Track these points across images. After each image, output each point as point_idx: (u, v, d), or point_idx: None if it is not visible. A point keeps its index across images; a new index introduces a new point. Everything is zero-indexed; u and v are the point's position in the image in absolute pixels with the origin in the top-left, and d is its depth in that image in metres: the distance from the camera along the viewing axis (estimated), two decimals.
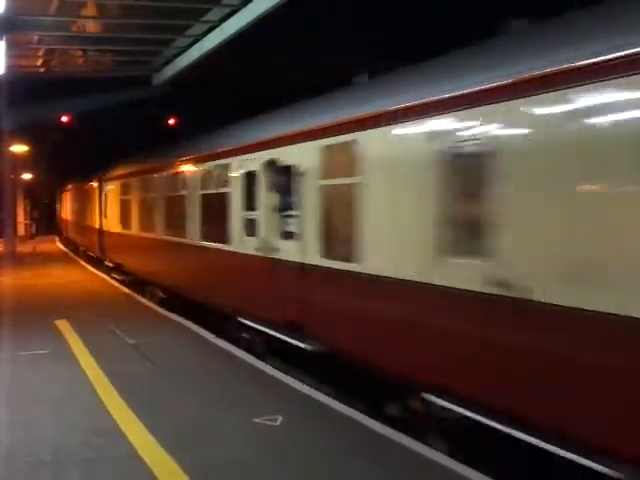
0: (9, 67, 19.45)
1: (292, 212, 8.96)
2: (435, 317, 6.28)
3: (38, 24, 18.23)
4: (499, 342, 5.48)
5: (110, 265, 22.10)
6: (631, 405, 4.48)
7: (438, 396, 6.23)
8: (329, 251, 8.09)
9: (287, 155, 9.13)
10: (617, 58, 4.59)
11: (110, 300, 15.83)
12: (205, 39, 19.06)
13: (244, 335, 10.64)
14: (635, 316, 4.38)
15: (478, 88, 5.74)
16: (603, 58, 4.67)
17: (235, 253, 10.93)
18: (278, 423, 6.74)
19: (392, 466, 5.73)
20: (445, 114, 6.12)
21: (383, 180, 7.07)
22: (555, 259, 5.01)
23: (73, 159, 38.28)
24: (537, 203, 5.18)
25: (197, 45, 19.85)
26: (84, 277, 21.07)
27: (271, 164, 9.43)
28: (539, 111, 5.21)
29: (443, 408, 6.18)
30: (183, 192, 13.99)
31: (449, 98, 6.08)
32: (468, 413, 5.84)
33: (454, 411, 6.02)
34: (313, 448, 6.14)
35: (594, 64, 4.73)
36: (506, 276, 5.35)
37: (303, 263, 8.58)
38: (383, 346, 7.08)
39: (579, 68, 4.85)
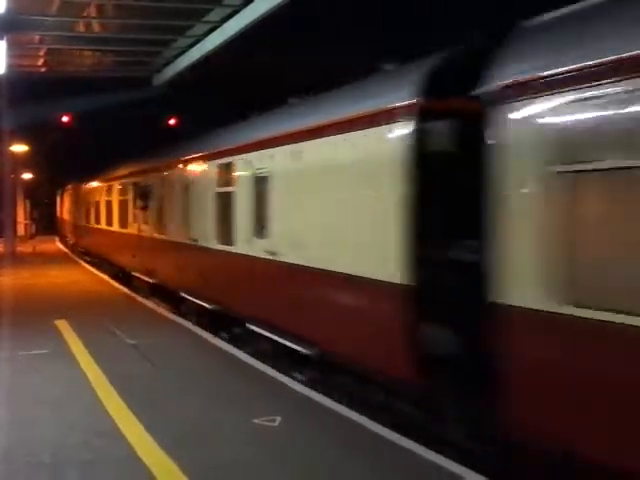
0: (10, 67, 19.50)
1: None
2: (247, 272, 10.65)
3: (39, 24, 18.27)
4: (271, 283, 9.81)
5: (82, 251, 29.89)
6: None
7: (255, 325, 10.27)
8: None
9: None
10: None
11: (110, 300, 15.84)
12: (206, 40, 19.10)
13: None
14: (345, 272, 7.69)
15: (257, 139, 10.44)
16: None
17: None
18: (277, 424, 6.75)
19: (391, 467, 5.74)
20: (254, 152, 10.43)
21: (239, 189, 11.03)
22: (291, 239, 9.13)
23: (73, 159, 38.30)
24: (284, 208, 9.41)
25: (198, 46, 19.89)
26: (84, 277, 21.07)
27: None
28: (282, 155, 9.40)
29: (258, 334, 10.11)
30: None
31: (253, 143, 10.56)
32: (267, 334, 9.75)
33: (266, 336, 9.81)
34: (312, 448, 6.15)
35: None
36: (273, 248, 9.58)
37: None
38: (226, 293, 11.76)
39: (303, 131, 8.88)
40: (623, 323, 4.33)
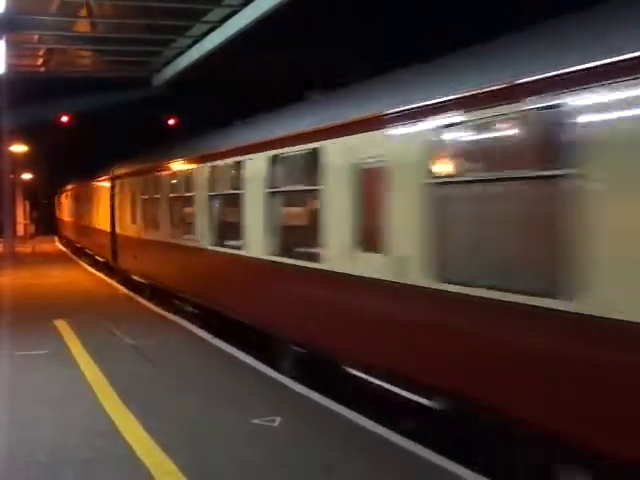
0: (9, 66, 19.48)
1: None
2: (196, 259, 12.63)
3: (38, 24, 18.27)
4: (197, 266, 12.26)
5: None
6: None
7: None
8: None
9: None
10: None
11: (109, 300, 15.82)
12: (205, 39, 19.09)
13: None
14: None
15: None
16: None
17: None
18: (277, 424, 6.74)
19: (390, 467, 5.73)
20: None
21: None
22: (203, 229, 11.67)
23: (73, 159, 38.29)
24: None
25: (197, 46, 19.88)
26: (83, 277, 21.06)
27: None
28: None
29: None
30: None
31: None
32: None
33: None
34: (311, 449, 6.13)
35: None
36: (196, 237, 12.27)
37: None
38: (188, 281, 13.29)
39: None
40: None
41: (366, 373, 7.13)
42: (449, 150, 6.19)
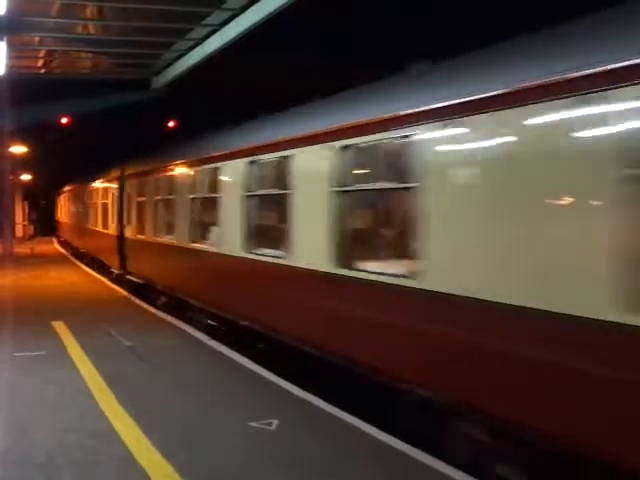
0: (9, 68, 19.49)
1: None
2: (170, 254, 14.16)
3: (39, 26, 18.26)
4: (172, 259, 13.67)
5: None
6: None
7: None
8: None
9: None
10: None
11: (108, 302, 15.82)
12: (205, 43, 19.10)
13: None
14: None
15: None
16: None
17: None
18: (274, 427, 6.75)
19: (388, 471, 5.74)
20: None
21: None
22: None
23: (72, 161, 38.30)
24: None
25: (197, 49, 19.89)
26: (82, 279, 21.06)
27: None
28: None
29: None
30: None
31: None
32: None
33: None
34: (309, 452, 6.14)
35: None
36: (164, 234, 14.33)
37: None
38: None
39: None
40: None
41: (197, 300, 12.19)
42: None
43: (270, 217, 10.05)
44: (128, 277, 18.42)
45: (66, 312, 13.66)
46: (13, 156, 31.55)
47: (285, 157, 8.95)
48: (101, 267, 23.07)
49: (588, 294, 4.70)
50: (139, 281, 17.31)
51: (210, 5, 16.72)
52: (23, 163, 38.56)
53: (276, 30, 17.30)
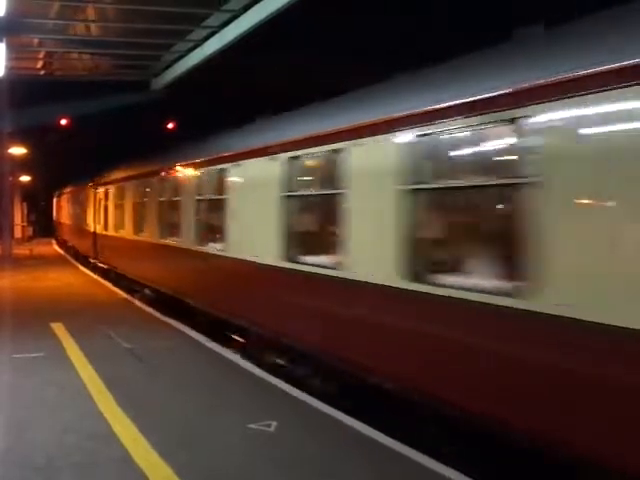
0: (9, 69, 19.50)
1: None
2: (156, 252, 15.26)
3: (38, 27, 18.30)
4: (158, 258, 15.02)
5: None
6: None
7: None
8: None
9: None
10: None
11: (107, 304, 15.81)
12: (205, 44, 19.13)
13: None
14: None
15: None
16: None
17: None
18: (272, 429, 6.75)
19: (386, 471, 5.74)
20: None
21: None
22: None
23: (72, 162, 38.30)
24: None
25: (197, 50, 19.92)
26: (81, 280, 21.04)
27: None
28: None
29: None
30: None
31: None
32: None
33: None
34: (308, 454, 6.14)
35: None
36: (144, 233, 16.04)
37: None
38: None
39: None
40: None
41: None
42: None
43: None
44: (99, 264, 23.26)
45: (65, 314, 13.65)
46: (12, 157, 31.53)
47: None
48: (85, 260, 26.58)
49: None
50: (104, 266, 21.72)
51: (209, 7, 16.76)
52: (22, 164, 38.55)
53: (276, 30, 17.30)
